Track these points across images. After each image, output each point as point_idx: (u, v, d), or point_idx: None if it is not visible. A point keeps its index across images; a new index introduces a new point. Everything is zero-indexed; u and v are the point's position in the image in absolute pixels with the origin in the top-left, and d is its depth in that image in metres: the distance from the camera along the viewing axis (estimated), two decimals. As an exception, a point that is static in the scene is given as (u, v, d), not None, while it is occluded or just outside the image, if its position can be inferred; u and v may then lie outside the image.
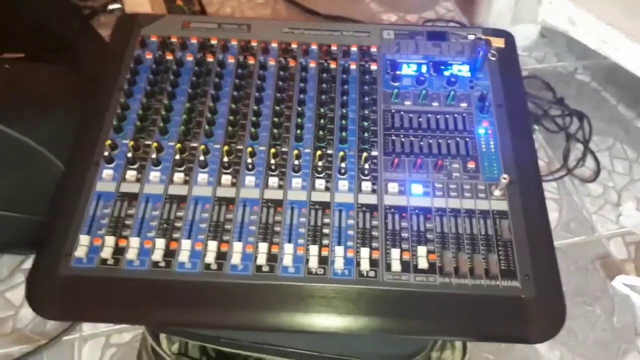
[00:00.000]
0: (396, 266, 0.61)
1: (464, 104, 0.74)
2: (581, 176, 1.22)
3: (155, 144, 0.68)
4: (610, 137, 1.30)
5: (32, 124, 0.93)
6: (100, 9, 1.41)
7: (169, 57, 0.77)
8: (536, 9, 1.35)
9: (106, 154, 0.67)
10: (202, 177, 0.67)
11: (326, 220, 0.64)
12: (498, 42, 0.80)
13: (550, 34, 1.52)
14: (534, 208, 0.66)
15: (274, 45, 0.79)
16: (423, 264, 0.61)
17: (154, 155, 0.67)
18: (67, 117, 0.94)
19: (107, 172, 0.66)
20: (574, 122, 1.28)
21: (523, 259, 0.62)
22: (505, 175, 0.65)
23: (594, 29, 1.22)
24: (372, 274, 0.61)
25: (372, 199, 0.66)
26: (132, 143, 0.68)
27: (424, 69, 0.78)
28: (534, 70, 1.44)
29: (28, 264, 0.87)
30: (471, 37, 0.82)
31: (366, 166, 0.67)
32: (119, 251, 0.61)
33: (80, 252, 0.60)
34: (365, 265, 0.61)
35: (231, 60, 0.77)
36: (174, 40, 0.79)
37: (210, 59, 0.77)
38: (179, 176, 0.66)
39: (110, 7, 1.40)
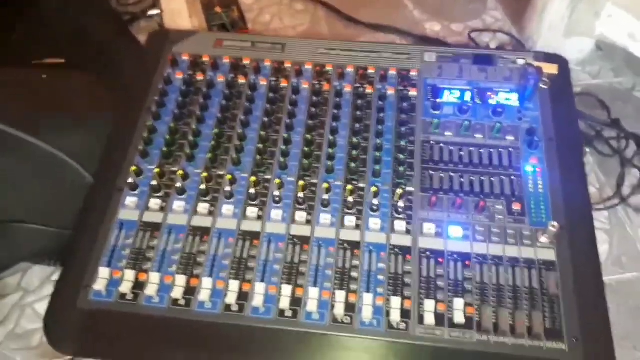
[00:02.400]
0: (429, 319, 0.56)
1: (510, 137, 0.69)
2: (636, 206, 1.13)
3: (180, 172, 0.65)
4: (670, 162, 1.20)
5: (65, 137, 0.92)
6: (140, 14, 1.40)
7: (200, 77, 0.74)
8: (593, 22, 1.26)
9: (131, 180, 0.65)
10: (228, 208, 0.64)
11: (355, 263, 0.60)
12: (550, 69, 0.74)
13: (607, 47, 1.42)
14: (585, 260, 0.60)
15: (308, 67, 0.75)
16: (459, 318, 0.56)
17: (179, 184, 0.64)
18: (101, 130, 0.93)
19: (130, 200, 0.64)
20: (630, 145, 1.19)
21: (571, 318, 0.56)
22: (555, 224, 0.59)
23: (658, 46, 1.13)
24: (402, 326, 0.56)
25: (405, 240, 0.61)
26: (157, 170, 0.65)
27: (467, 96, 0.72)
28: (587, 87, 1.35)
29: (58, 275, 0.86)
30: (521, 61, 0.75)
31: (400, 203, 0.63)
32: (138, 286, 0.59)
33: (100, 285, 0.58)
34: (395, 316, 0.56)
35: (263, 82, 0.74)
36: (205, 59, 0.76)
37: (241, 80, 0.74)
38: (203, 207, 0.64)
39: (150, 12, 1.39)
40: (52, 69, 1.10)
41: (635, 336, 0.98)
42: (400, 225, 0.62)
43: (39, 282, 0.99)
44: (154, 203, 0.64)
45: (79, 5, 1.34)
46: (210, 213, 0.63)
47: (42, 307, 0.97)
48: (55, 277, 1.00)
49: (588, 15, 1.27)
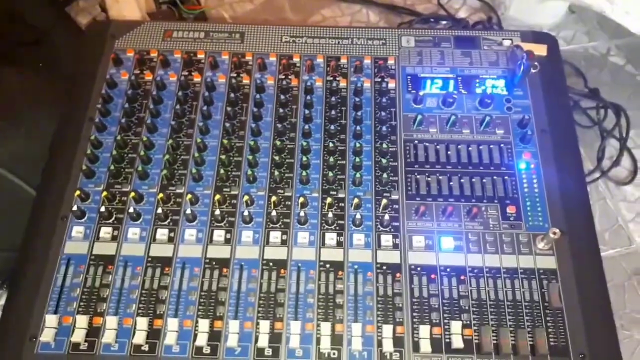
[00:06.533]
0: (425, 346, 0.51)
1: (500, 131, 0.62)
2: (616, 178, 1.10)
3: (133, 194, 0.57)
4: (649, 130, 1.17)
5: None
6: (78, -7, 1.26)
7: (148, 77, 0.65)
8: (568, -16, 1.19)
9: (75, 207, 0.56)
10: (190, 233, 0.56)
11: (339, 287, 0.53)
12: (539, 50, 0.67)
13: (580, 10, 1.36)
14: (588, 266, 0.55)
15: (272, 59, 0.67)
16: (457, 342, 0.51)
17: (131, 208, 0.56)
18: (37, 132, 0.82)
19: (77, 229, 0.56)
20: (609, 115, 1.15)
21: (576, 332, 0.52)
22: (556, 230, 0.54)
23: (637, 9, 1.08)
24: (396, 356, 0.51)
25: (393, 257, 0.55)
26: (105, 194, 0.57)
27: (451, 85, 0.65)
28: (562, 53, 1.30)
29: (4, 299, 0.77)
30: (507, 43, 0.69)
31: (385, 216, 0.56)
32: (93, 332, 0.51)
33: (47, 335, 0.50)
34: (388, 346, 0.50)
35: (222, 79, 0.65)
36: (153, 54, 0.67)
37: (196, 78, 0.65)
38: (162, 232, 0.56)
39: (90, -10, 1.25)
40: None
41: (621, 315, 0.96)
42: (386, 239, 0.56)
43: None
44: (105, 232, 0.56)
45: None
46: (171, 240, 0.56)
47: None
48: (2, 300, 0.91)
49: (563, -22, 1.21)
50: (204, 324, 0.51)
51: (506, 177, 0.59)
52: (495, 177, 0.59)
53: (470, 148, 0.61)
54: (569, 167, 0.60)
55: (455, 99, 0.63)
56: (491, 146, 0.61)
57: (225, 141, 0.60)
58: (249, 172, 0.58)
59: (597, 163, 1.12)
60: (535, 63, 0.66)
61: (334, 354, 0.50)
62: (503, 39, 0.69)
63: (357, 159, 0.59)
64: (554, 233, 0.54)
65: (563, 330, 0.52)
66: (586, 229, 0.57)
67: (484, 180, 0.59)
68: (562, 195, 0.58)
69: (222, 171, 0.58)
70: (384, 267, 0.54)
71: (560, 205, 0.58)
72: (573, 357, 0.51)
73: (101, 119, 0.61)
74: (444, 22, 1.11)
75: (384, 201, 0.56)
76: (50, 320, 0.51)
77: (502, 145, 0.61)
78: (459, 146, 0.61)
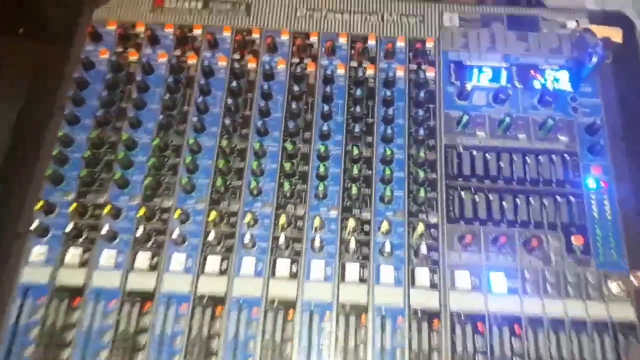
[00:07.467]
0: (469, 419, 0.40)
1: (564, 138, 0.50)
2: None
3: (108, 208, 0.45)
4: None
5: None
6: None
7: (133, 56, 0.53)
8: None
9: (36, 223, 0.45)
10: (178, 259, 0.45)
11: (361, 337, 0.43)
12: (613, 35, 0.55)
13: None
14: (675, 316, 0.44)
15: (284, 37, 0.54)
16: (510, 415, 0.40)
17: (106, 229, 0.45)
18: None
19: (38, 251, 0.45)
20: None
21: (660, 406, 0.41)
22: (638, 273, 0.42)
23: None
24: None
25: (431, 299, 0.44)
26: (74, 205, 0.46)
27: (503, 77, 0.53)
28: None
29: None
30: (571, 24, 0.56)
31: (422, 245, 0.45)
32: (53, 387, 0.41)
33: (-5, 389, 0.40)
34: (421, 418, 0.40)
35: (222, 62, 0.53)
36: (139, 29, 0.54)
37: (191, 60, 0.53)
38: (143, 258, 0.45)
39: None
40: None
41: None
42: (422, 275, 0.45)
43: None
44: (73, 254, 0.45)
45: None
46: (153, 267, 0.45)
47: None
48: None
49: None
50: (192, 381, 0.41)
51: (571, 198, 0.48)
52: (558, 198, 0.48)
53: (527, 158, 0.49)
54: (650, 186, 0.48)
55: (509, 95, 0.51)
56: (553, 157, 0.49)
57: (224, 142, 0.48)
58: (253, 184, 0.47)
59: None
60: (608, 52, 0.53)
61: (353, 423, 0.40)
62: (567, 20, 0.56)
63: (387, 170, 0.47)
64: (636, 277, 0.42)
65: (642, 401, 0.41)
66: (673, 269, 0.45)
67: (545, 201, 0.47)
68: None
69: (219, 181, 0.47)
70: (419, 312, 0.44)
71: (638, 234, 0.46)
72: None
73: (73, 110, 0.50)
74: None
75: (420, 226, 0.45)
76: (0, 371, 0.41)
77: (566, 155, 0.49)
78: (513, 155, 0.49)
